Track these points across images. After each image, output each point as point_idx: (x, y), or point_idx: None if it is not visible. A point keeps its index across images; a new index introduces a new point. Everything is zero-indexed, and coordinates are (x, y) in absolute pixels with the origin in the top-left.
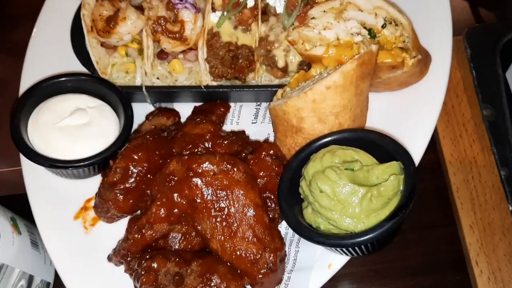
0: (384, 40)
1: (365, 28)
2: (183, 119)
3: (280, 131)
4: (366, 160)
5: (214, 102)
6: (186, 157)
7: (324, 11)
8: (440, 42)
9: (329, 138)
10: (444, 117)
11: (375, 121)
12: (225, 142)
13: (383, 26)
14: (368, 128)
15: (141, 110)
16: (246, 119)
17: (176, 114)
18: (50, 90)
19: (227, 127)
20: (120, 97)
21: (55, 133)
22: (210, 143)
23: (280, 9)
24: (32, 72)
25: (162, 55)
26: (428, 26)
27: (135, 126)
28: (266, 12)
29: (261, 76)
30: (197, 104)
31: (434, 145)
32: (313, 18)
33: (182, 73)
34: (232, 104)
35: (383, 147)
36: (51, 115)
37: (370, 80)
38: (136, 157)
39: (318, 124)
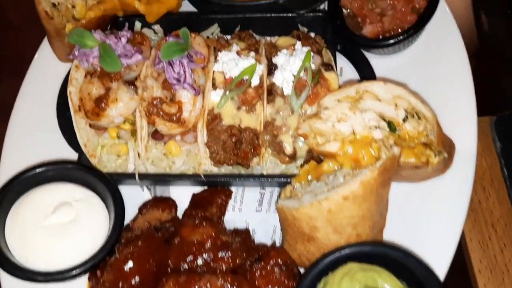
0: (405, 135)
1: (384, 120)
2: (180, 207)
3: (290, 235)
4: (389, 282)
5: (214, 188)
6: (184, 277)
7: (338, 100)
8: (464, 129)
9: (346, 252)
10: (471, 215)
11: (394, 220)
12: (228, 255)
13: (405, 120)
14: (387, 238)
15: (134, 193)
16: (249, 206)
17: (172, 204)
18: (32, 181)
19: (229, 214)
20: (109, 189)
21: (36, 233)
22: (211, 255)
23: (287, 90)
24: (13, 156)
25: (157, 135)
26: (450, 109)
27: (127, 219)
28: (272, 92)
29: (266, 160)
30: (196, 189)
31: (459, 246)
32: (326, 108)
33: (180, 156)
34: (233, 189)
35: (408, 267)
36: (32, 211)
37: (390, 183)
38: (126, 269)
39: (334, 235)
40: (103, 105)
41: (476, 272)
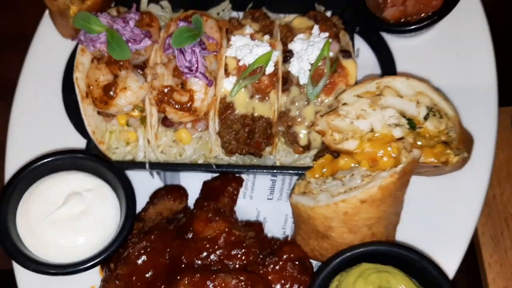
0: (425, 133)
1: (404, 117)
2: (191, 194)
3: (303, 230)
4: (402, 283)
5: (225, 176)
6: (198, 275)
7: (358, 96)
8: (483, 119)
9: (359, 251)
10: (485, 208)
11: (408, 213)
12: (241, 252)
13: (426, 118)
14: (401, 231)
15: (143, 179)
16: (261, 193)
17: (183, 194)
18: (41, 170)
19: (240, 201)
20: (120, 179)
21: (48, 227)
22: (225, 252)
23: (304, 79)
24: (19, 142)
25: (167, 122)
26: (470, 97)
27: (138, 205)
28: (287, 81)
29: (279, 149)
30: (207, 175)
31: (471, 243)
32: (344, 104)
33: (190, 143)
34: (245, 176)
35: (421, 268)
36: (42, 203)
37: (408, 184)
38: (140, 263)
39: (349, 235)
40: (111, 93)
41: (486, 266)
